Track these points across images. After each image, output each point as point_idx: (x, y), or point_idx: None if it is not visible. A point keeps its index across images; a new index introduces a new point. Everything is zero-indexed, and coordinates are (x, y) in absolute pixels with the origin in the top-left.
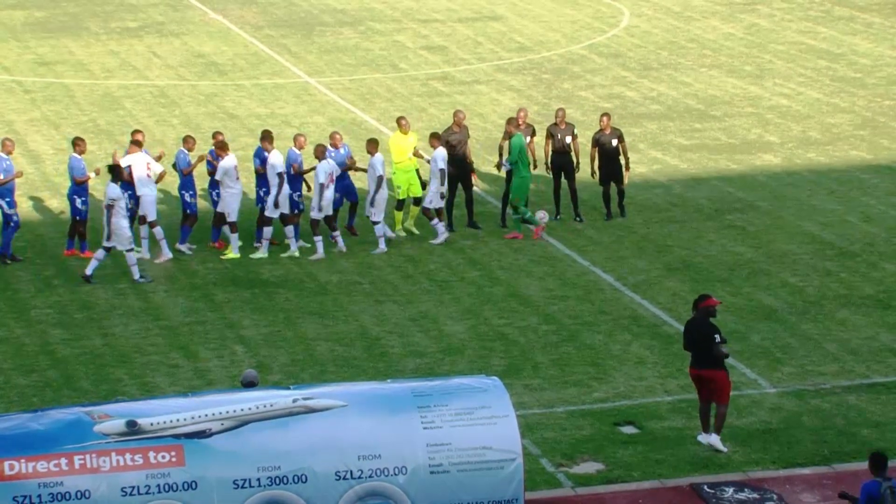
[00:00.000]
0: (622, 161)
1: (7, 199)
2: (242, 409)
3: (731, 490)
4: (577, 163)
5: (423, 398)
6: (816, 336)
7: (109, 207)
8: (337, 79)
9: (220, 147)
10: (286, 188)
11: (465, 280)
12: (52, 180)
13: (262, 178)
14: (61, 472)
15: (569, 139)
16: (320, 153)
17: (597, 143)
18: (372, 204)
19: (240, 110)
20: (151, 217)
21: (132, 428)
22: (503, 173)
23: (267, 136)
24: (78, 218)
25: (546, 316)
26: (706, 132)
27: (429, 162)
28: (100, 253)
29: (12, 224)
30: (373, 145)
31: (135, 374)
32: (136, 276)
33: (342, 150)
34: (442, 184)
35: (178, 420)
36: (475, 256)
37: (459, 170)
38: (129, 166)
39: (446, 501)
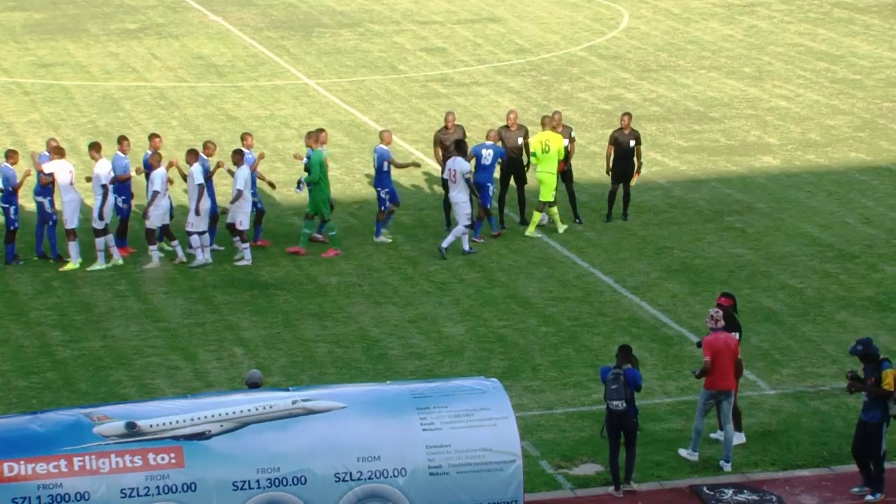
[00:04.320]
0: (636, 162)
1: (49, 199)
2: (242, 411)
3: (730, 492)
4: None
5: (423, 400)
6: (816, 338)
7: None
8: (336, 80)
9: (57, 152)
10: (111, 199)
11: (464, 282)
12: None
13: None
14: (60, 474)
15: (566, 142)
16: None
17: (614, 141)
18: (197, 213)
19: (239, 112)
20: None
21: (131, 429)
22: (305, 193)
23: (95, 146)
24: (121, 217)
25: (545, 317)
26: (705, 134)
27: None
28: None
29: (51, 223)
30: (192, 155)
31: (134, 376)
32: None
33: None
34: (234, 202)
35: (177, 422)
36: (474, 258)
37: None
38: (52, 174)
39: (446, 503)
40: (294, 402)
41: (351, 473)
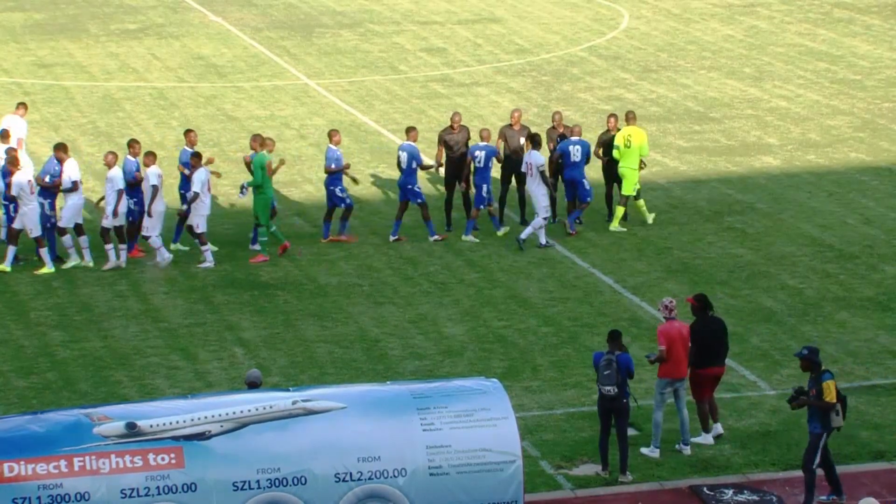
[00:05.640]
0: None
1: (49, 201)
2: (242, 411)
3: (730, 492)
4: None
5: (423, 400)
6: (816, 338)
7: None
8: (336, 81)
9: (12, 163)
10: (77, 198)
11: (464, 282)
12: None
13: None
14: (61, 474)
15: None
16: (111, 161)
17: (604, 143)
18: (150, 215)
19: (239, 112)
20: (37, 233)
21: (132, 430)
22: (248, 197)
23: (61, 147)
24: (131, 219)
25: (545, 318)
26: (705, 134)
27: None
28: None
29: (49, 225)
30: (150, 157)
31: (134, 376)
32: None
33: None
34: (192, 203)
35: (177, 422)
36: (474, 258)
37: (458, 171)
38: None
39: (446, 503)
40: (294, 403)
41: (351, 474)
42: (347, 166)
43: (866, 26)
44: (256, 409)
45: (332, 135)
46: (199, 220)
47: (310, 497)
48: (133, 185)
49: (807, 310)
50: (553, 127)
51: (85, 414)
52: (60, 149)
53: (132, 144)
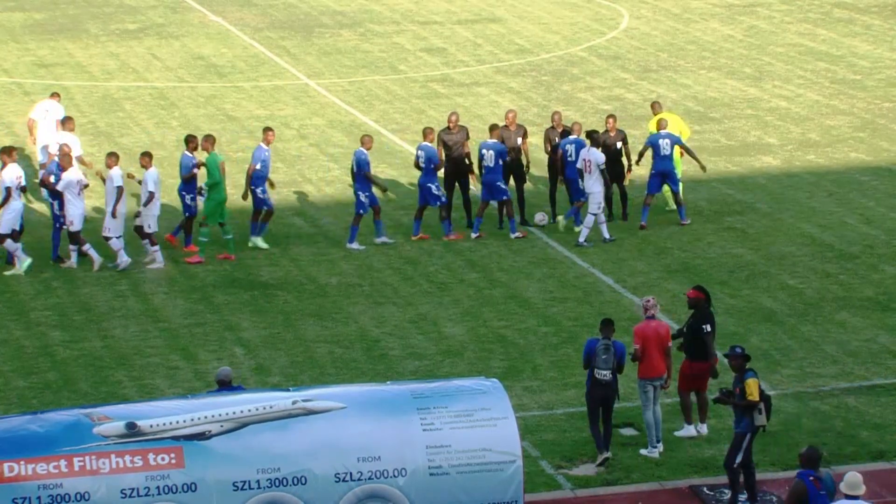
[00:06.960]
0: (625, 163)
1: (58, 201)
2: (242, 411)
3: (730, 492)
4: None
5: (423, 400)
6: (816, 338)
7: None
8: (336, 80)
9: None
10: (17, 203)
11: (464, 282)
12: None
13: None
14: (61, 474)
15: (561, 143)
16: (146, 162)
17: (603, 143)
18: (114, 216)
19: (239, 112)
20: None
21: (132, 430)
22: (202, 198)
23: (6, 150)
24: (188, 214)
25: (546, 318)
26: (705, 134)
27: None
28: None
29: (57, 226)
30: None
31: (134, 376)
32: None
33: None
34: (145, 204)
35: (177, 422)
36: (474, 258)
37: (457, 171)
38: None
39: (446, 503)
40: (294, 403)
41: (351, 474)
42: (443, 162)
43: (866, 26)
44: (256, 409)
45: (426, 133)
46: (150, 220)
47: (310, 497)
48: (188, 180)
49: (807, 310)
50: (552, 127)
51: (85, 414)
52: (5, 152)
53: (190, 140)
